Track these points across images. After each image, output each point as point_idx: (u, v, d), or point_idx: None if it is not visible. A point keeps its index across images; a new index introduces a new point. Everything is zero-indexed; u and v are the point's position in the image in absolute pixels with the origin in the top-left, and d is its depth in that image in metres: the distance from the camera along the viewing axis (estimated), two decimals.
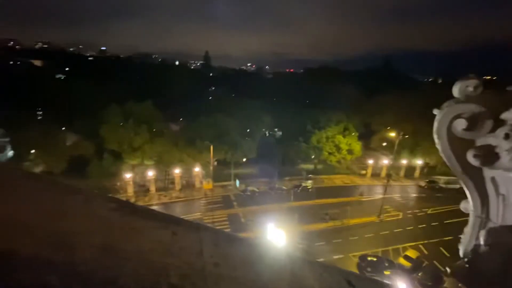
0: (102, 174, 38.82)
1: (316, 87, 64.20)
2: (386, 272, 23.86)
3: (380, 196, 37.00)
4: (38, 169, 38.56)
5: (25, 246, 0.77)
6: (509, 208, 1.69)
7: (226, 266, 1.18)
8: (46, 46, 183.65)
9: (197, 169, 41.26)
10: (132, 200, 37.06)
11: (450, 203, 36.63)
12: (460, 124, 1.56)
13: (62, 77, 73.22)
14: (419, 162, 47.89)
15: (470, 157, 1.55)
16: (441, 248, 28.26)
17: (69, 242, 0.86)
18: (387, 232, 31.29)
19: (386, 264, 24.70)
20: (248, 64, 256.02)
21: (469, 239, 1.85)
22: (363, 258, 25.78)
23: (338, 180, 46.48)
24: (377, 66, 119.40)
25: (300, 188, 40.87)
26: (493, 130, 1.51)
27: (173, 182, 41.44)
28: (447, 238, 29.08)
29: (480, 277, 1.71)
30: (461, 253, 1.89)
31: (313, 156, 45.83)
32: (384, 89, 63.57)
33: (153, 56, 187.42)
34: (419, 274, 23.80)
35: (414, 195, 42.57)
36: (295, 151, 45.34)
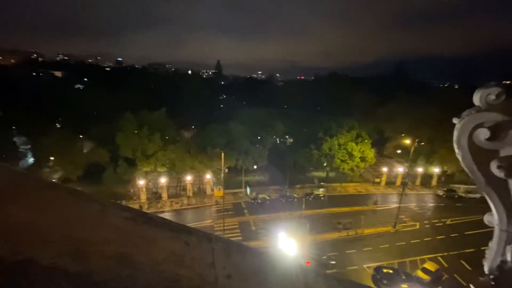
0: (116, 181, 39.78)
1: (327, 94, 63.78)
2: (403, 286, 22.85)
3: (396, 205, 35.83)
4: (56, 176, 40.04)
5: (44, 255, 0.78)
6: None
7: (238, 278, 1.16)
8: (66, 58, 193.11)
9: (208, 176, 41.53)
10: (145, 206, 37.63)
11: (471, 213, 34.99)
12: (482, 134, 1.49)
13: (81, 87, 76.36)
14: (436, 170, 46.21)
15: (494, 168, 1.47)
16: (462, 261, 26.89)
17: (85, 251, 0.88)
18: (404, 243, 30.12)
19: (403, 277, 23.68)
20: (259, 72, 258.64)
21: (494, 255, 1.74)
22: (378, 270, 24.83)
23: (351, 188, 45.47)
24: (389, 72, 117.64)
25: (312, 196, 40.23)
26: None
27: (184, 189, 41.84)
28: (468, 251, 27.67)
29: None
30: (486, 270, 1.79)
31: (325, 164, 45.13)
32: (397, 95, 62.31)
33: (167, 66, 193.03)
34: None
35: (432, 204, 40.94)
36: (306, 159, 44.84)
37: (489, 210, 1.85)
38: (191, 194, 40.93)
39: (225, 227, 30.16)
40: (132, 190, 40.80)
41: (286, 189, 42.38)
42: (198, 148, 40.58)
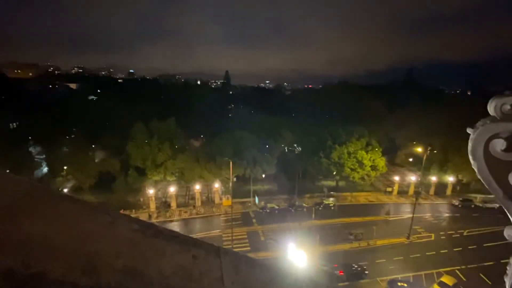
0: (127, 190, 40.30)
1: (335, 102, 63.45)
2: None
3: (409, 215, 34.74)
4: (69, 185, 40.94)
5: (55, 268, 0.78)
6: None
7: None
8: (81, 70, 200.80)
9: (216, 185, 41.57)
10: (154, 215, 37.83)
11: (489, 224, 33.55)
12: (499, 145, 1.44)
13: (94, 98, 78.83)
14: (450, 178, 44.80)
15: None
16: (481, 274, 25.63)
17: (94, 265, 0.88)
18: (418, 255, 29.00)
19: None
20: (267, 82, 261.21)
21: None
22: (392, 283, 23.92)
23: (362, 197, 44.50)
24: (399, 79, 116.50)
25: (321, 206, 39.55)
26: None
27: (193, 198, 41.94)
28: (488, 264, 26.39)
29: None
30: (507, 286, 1.69)
31: (334, 172, 44.47)
32: (407, 102, 61.49)
33: (177, 77, 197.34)
34: None
35: (447, 214, 39.50)
36: (315, 167, 44.33)
37: (509, 222, 1.77)
38: (199, 203, 40.95)
39: (234, 237, 29.87)
40: (142, 199, 41.18)
41: (295, 198, 41.86)
42: (206, 157, 40.85)
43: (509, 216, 1.61)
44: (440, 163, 44.32)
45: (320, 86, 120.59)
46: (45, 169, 42.50)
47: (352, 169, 42.25)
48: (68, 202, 1.11)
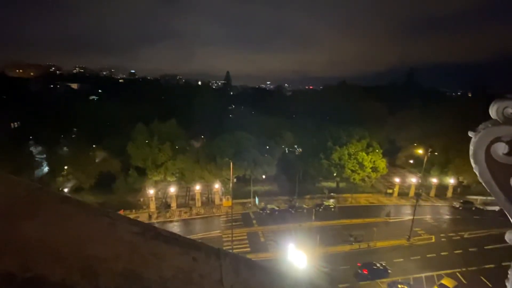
0: (127, 190, 40.30)
1: (336, 104, 63.42)
2: None
3: (409, 217, 34.67)
4: (69, 185, 40.95)
5: (54, 272, 0.78)
6: None
7: None
8: (82, 70, 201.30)
9: (217, 185, 41.55)
10: (154, 216, 37.81)
11: (490, 226, 33.45)
12: (501, 149, 1.43)
13: (95, 98, 79.00)
14: (451, 180, 44.70)
15: None
16: (482, 277, 25.51)
17: (94, 268, 0.88)
18: (419, 257, 28.91)
19: None
20: (268, 83, 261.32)
21: None
22: (392, 285, 23.88)
23: (363, 199, 44.42)
24: (400, 81, 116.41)
25: (322, 207, 39.48)
26: None
27: (193, 199, 41.91)
28: (488, 266, 26.29)
29: None
30: None
31: (335, 174, 44.41)
32: (408, 104, 61.46)
33: (178, 78, 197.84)
34: None
35: (448, 216, 39.39)
36: (315, 168, 44.27)
37: (510, 225, 1.76)
38: (199, 204, 40.93)
39: (234, 238, 29.82)
40: (142, 199, 41.17)
41: (295, 200, 41.81)
42: (207, 157, 40.84)
43: (511, 220, 1.60)
44: (441, 164, 44.24)
45: (321, 87, 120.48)
46: (46, 169, 42.54)
47: (352, 171, 42.19)
48: (68, 204, 1.10)
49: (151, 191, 38.76)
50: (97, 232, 1.04)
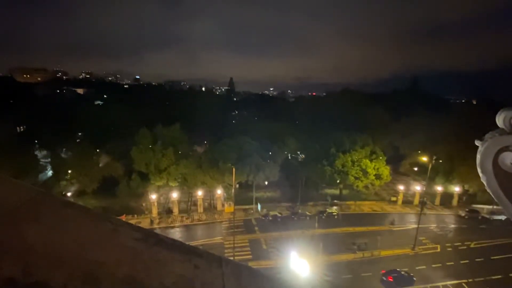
0: (130, 194, 40.32)
1: (339, 110, 63.37)
2: None
3: (414, 225, 34.12)
4: (72, 188, 41.12)
5: (55, 278, 0.77)
6: None
7: None
8: (88, 76, 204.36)
9: (219, 191, 41.41)
10: (156, 221, 37.69)
11: (496, 236, 32.80)
12: (508, 158, 1.40)
13: (100, 103, 79.93)
14: (456, 189, 44.06)
15: None
16: None
17: (96, 274, 0.87)
18: (424, 266, 28.32)
19: None
20: (271, 89, 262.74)
21: None
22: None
23: (366, 206, 43.91)
24: (403, 88, 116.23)
25: (325, 214, 39.06)
26: None
27: (195, 204, 41.76)
28: (495, 277, 25.64)
29: None
30: None
31: (338, 181, 44.04)
32: (412, 111, 61.16)
33: (182, 83, 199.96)
34: None
35: (453, 225, 38.70)
36: (318, 175, 43.95)
37: None
38: (201, 210, 40.74)
39: (235, 245, 29.53)
40: (144, 204, 41.13)
41: (298, 206, 41.45)
42: (209, 163, 40.84)
43: None
44: (445, 173, 43.68)
45: (324, 94, 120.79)
46: (50, 173, 42.83)
47: (356, 178, 41.82)
48: (71, 209, 1.10)
49: (153, 196, 38.73)
50: (99, 237, 1.03)
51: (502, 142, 1.44)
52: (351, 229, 35.81)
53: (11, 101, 65.98)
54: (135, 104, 66.36)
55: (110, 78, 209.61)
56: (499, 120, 1.47)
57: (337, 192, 47.15)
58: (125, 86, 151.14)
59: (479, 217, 39.57)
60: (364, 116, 56.85)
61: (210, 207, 42.47)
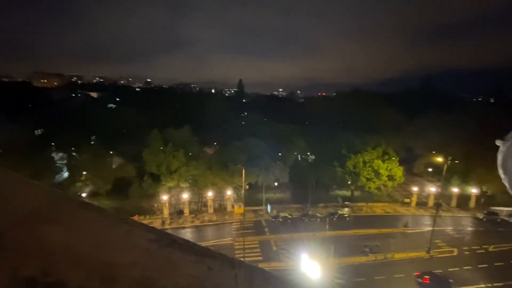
0: (142, 195, 41.09)
1: (350, 110, 62.50)
2: None
3: (429, 228, 33.19)
4: (87, 190, 42.28)
5: (73, 278, 0.79)
6: None
7: None
8: (102, 80, 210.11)
9: (229, 192, 41.60)
10: (167, 221, 38.23)
11: None
12: None
13: (113, 106, 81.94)
14: (473, 190, 42.56)
15: None
16: None
17: (112, 275, 0.88)
18: (440, 270, 27.45)
19: None
20: (280, 90, 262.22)
21: None
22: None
23: (379, 208, 43.05)
24: (416, 87, 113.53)
25: (336, 216, 38.57)
26: None
27: (205, 205, 42.12)
28: None
29: None
30: None
31: (349, 182, 43.40)
32: (425, 110, 59.65)
33: (192, 86, 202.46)
34: None
35: (470, 228, 37.39)
36: (329, 176, 43.45)
37: None
38: (212, 211, 41.04)
39: (245, 246, 29.54)
40: (155, 205, 41.81)
41: (308, 208, 41.09)
42: (219, 164, 41.11)
43: None
44: (462, 173, 42.31)
45: (334, 94, 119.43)
46: (66, 174, 44.18)
47: (368, 179, 41.09)
48: (88, 210, 1.13)
49: (164, 197, 39.32)
50: (115, 238, 1.05)
51: None
52: (363, 231, 35.18)
53: (30, 105, 68.61)
54: (147, 107, 67.66)
55: (122, 82, 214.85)
56: None
57: (348, 193, 46.46)
58: (137, 89, 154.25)
59: (498, 220, 38.12)
60: (375, 116, 55.86)
61: (220, 208, 42.72)
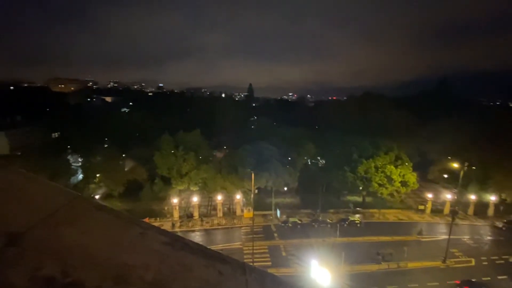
0: (153, 198, 41.74)
1: (361, 114, 61.57)
2: None
3: (444, 236, 32.04)
4: (100, 192, 43.33)
5: (90, 278, 0.81)
6: None
7: None
8: (116, 85, 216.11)
9: (238, 196, 41.60)
10: (177, 224, 38.54)
11: None
12: None
13: (126, 110, 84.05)
14: (492, 198, 40.82)
15: None
16: None
17: (126, 276, 0.90)
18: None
19: None
20: (290, 94, 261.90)
21: None
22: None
23: (391, 215, 41.92)
24: (430, 90, 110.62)
25: (347, 222, 37.81)
26: None
27: (215, 209, 42.25)
28: None
29: None
30: None
31: (361, 188, 42.52)
32: (441, 114, 58.07)
33: (203, 90, 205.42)
34: None
35: (489, 237, 35.80)
36: (340, 181, 42.73)
37: None
38: (221, 214, 41.11)
39: (254, 251, 29.34)
40: (166, 208, 42.30)
41: (318, 214, 40.50)
42: (229, 168, 41.28)
43: None
44: (479, 180, 40.70)
45: (345, 98, 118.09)
46: (80, 176, 45.49)
47: (380, 185, 40.14)
48: (104, 212, 1.16)
49: (175, 200, 39.75)
50: (129, 240, 1.08)
51: None
52: (375, 238, 34.30)
53: (48, 109, 71.36)
54: (159, 111, 69.08)
55: (135, 86, 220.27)
56: None
57: (359, 199, 45.51)
58: (149, 93, 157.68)
59: None
60: (387, 120, 54.73)
61: (230, 212, 42.73)
